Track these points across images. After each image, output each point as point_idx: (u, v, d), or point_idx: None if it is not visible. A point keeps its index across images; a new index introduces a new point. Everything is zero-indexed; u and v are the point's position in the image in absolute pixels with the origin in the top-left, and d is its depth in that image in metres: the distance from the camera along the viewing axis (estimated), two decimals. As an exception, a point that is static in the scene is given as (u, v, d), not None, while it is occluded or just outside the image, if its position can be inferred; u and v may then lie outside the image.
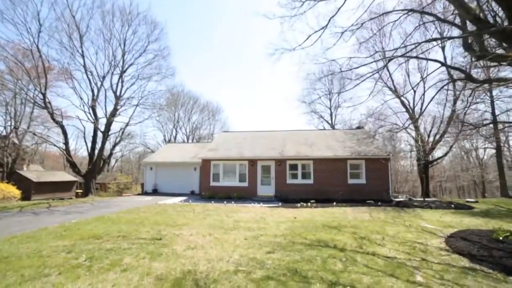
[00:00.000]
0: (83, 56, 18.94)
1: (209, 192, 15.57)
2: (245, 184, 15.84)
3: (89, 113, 19.37)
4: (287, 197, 15.01)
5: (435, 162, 23.38)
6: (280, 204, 12.97)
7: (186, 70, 65.71)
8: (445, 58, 20.65)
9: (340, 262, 4.82)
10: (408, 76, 22.71)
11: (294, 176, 15.66)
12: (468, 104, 18.73)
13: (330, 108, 42.10)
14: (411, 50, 7.64)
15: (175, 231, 7.01)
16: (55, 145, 18.48)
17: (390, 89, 22.84)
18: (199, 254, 5.04)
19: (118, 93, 20.37)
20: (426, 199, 14.60)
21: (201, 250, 5.34)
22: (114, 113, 19.79)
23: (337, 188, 15.04)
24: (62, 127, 18.14)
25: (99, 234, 6.48)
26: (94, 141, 19.43)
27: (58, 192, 22.36)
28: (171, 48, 38.49)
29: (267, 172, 15.95)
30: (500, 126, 18.30)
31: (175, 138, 35.52)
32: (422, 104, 21.12)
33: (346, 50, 71.69)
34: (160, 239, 6.13)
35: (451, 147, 22.60)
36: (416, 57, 9.78)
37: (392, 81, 22.20)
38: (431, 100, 19.68)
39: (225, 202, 13.44)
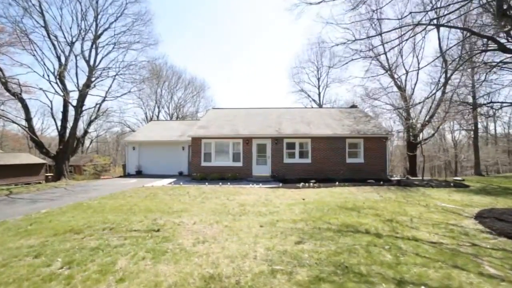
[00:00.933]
0: (42, 14, 15.92)
1: (200, 173, 14.40)
2: (239, 164, 14.82)
3: (57, 83, 16.75)
4: (284, 177, 14.28)
5: (423, 142, 23.69)
6: (280, 184, 12.17)
7: (169, 42, 60.90)
8: (439, 38, 20.18)
9: (386, 251, 4.04)
10: (402, 57, 22.07)
11: (292, 155, 14.85)
12: (456, 87, 18.68)
13: (318, 88, 41.36)
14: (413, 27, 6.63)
15: (174, 219, 5.89)
16: (14, 122, 15.77)
17: (384, 68, 22.21)
18: (214, 250, 4.01)
19: (91, 63, 17.79)
20: (424, 178, 14.50)
21: (214, 243, 4.30)
22: (87, 85, 17.35)
23: (335, 168, 14.50)
24: (22, 101, 15.49)
25: (79, 227, 5.20)
26: (64, 118, 17.05)
27: (23, 176, 20.02)
28: (154, 13, 34.35)
29: (263, 151, 14.97)
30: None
31: (157, 117, 33.04)
32: (415, 84, 20.79)
33: (341, 33, 69.86)
34: (158, 231, 5.00)
35: (438, 127, 22.86)
36: (442, 25, 8.67)
37: (387, 59, 21.49)
38: (445, 82, 19.23)
39: (220, 183, 12.39)
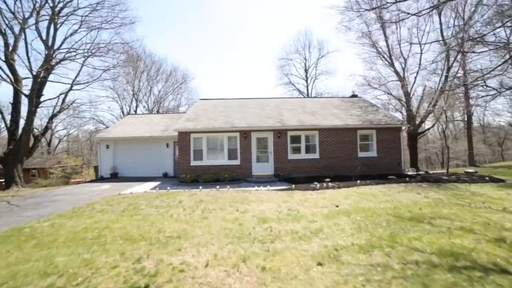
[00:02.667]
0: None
1: (190, 174, 12.01)
2: (237, 161, 12.61)
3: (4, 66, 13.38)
4: (289, 175, 12.31)
5: (422, 134, 22.88)
6: (292, 186, 10.15)
7: (147, 28, 56.14)
8: (441, 24, 19.09)
9: None
10: (399, 44, 20.82)
11: (296, 150, 12.90)
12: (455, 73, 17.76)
13: (306, 80, 39.87)
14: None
15: (171, 256, 3.65)
16: None
17: (383, 56, 20.88)
18: None
19: (50, 43, 14.48)
20: (448, 171, 13.04)
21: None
22: (46, 70, 14.07)
23: (346, 163, 12.78)
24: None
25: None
26: (15, 110, 13.66)
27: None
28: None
29: (263, 146, 12.86)
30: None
31: (135, 112, 29.59)
32: (417, 72, 19.64)
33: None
34: (147, 289, 2.76)
35: (438, 118, 22.07)
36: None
37: (389, 48, 20.11)
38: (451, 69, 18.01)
39: (217, 186, 10.11)
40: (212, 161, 12.62)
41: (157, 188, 10.29)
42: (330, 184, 9.73)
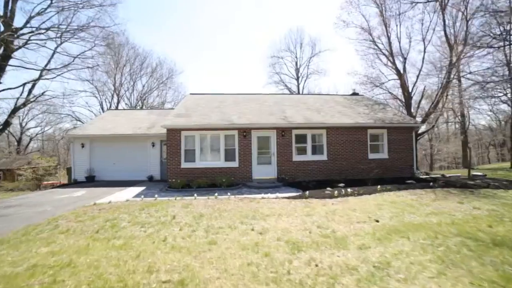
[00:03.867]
0: None
1: (181, 179, 10.29)
2: (234, 164, 11.03)
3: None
4: (294, 179, 10.94)
5: (422, 135, 22.39)
6: (306, 193, 8.76)
7: (131, 17, 52.87)
8: (444, 21, 18.54)
9: None
10: (399, 42, 20.14)
11: (302, 150, 11.54)
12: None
13: (297, 79, 38.96)
14: None
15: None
16: None
17: (384, 53, 20.09)
18: None
19: (7, 15, 12.13)
20: (470, 175, 12.01)
21: None
22: (5, 54, 11.77)
23: (357, 165, 11.60)
24: None
25: None
26: (-34, 101, 11.32)
27: None
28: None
29: (265, 146, 11.39)
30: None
31: (116, 108, 26.93)
32: (420, 70, 18.98)
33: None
34: None
35: (437, 118, 21.64)
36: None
37: (390, 46, 19.29)
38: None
39: (216, 194, 8.49)
40: (206, 163, 10.97)
41: (142, 196, 8.50)
42: (348, 190, 8.41)
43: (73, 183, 12.34)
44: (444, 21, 18.39)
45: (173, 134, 10.89)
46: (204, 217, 5.71)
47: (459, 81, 18.85)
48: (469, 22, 17.61)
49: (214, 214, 5.99)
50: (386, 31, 18.65)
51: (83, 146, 12.84)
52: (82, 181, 12.48)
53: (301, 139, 11.51)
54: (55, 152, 37.49)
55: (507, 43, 15.15)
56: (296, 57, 38.84)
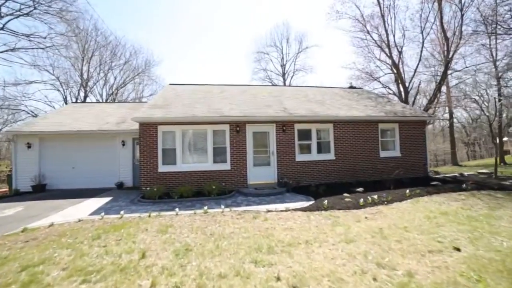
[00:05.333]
0: None
1: (158, 186, 8.06)
2: (226, 165, 8.97)
3: None
4: (298, 183, 9.12)
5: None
6: (311, 199, 6.95)
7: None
8: (441, 12, 17.69)
9: None
10: (394, 35, 19.12)
11: (306, 148, 9.75)
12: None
13: (283, 76, 37.49)
14: None
15: None
16: None
17: (379, 46, 18.96)
18: None
19: None
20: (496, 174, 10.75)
21: None
22: None
23: (367, 165, 10.02)
24: None
25: None
26: None
27: None
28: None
29: (263, 143, 9.45)
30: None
31: (84, 101, 23.20)
32: (417, 65, 18.02)
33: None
34: None
35: (433, 113, 20.90)
36: None
37: (388, 37, 18.16)
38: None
39: (205, 207, 6.35)
40: (190, 166, 8.82)
41: (103, 212, 6.17)
42: (374, 197, 6.70)
43: (14, 194, 9.55)
44: (441, 12, 17.56)
45: (148, 130, 8.62)
46: (193, 252, 3.64)
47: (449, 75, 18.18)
48: (464, 16, 16.95)
49: (207, 245, 3.93)
50: (383, 21, 17.50)
51: (29, 147, 10.08)
52: (27, 191, 9.73)
53: (305, 135, 9.71)
54: (7, 154, 32.77)
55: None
56: (282, 52, 37.36)
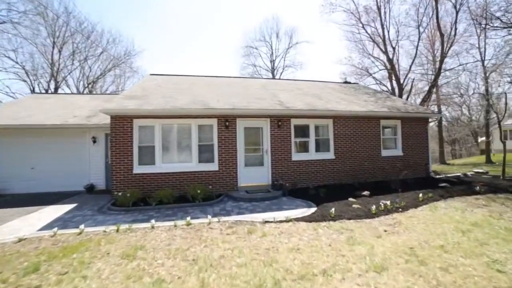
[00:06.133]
0: None
1: (132, 190, 6.80)
2: (213, 166, 7.82)
3: None
4: (295, 185, 8.13)
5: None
6: (313, 205, 5.98)
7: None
8: (437, 11, 17.25)
9: None
10: (388, 31, 18.55)
11: (303, 146, 8.78)
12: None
13: (272, 72, 36.51)
14: None
15: None
16: None
17: (375, 41, 18.33)
18: None
19: None
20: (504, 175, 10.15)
21: None
22: None
23: (368, 165, 9.21)
24: None
25: None
26: None
27: None
28: None
29: (255, 140, 8.37)
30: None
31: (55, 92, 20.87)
32: (412, 62, 17.55)
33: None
34: None
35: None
36: None
37: (383, 31, 17.52)
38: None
39: (188, 217, 5.19)
40: (172, 166, 7.60)
41: (56, 227, 4.85)
42: (386, 203, 5.80)
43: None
44: (437, 9, 17.13)
45: (121, 124, 7.31)
46: (166, 296, 2.52)
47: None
48: (458, 14, 16.64)
49: (188, 280, 2.82)
50: (379, 14, 16.84)
51: (-23, 143, 8.45)
52: (-26, 196, 8.13)
53: (302, 131, 8.73)
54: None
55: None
56: (271, 48, 36.32)
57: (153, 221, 4.94)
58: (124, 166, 7.24)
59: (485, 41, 17.96)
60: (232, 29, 61.23)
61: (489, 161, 20.55)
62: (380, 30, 17.13)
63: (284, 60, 35.85)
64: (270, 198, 7.04)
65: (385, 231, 4.32)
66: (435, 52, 19.10)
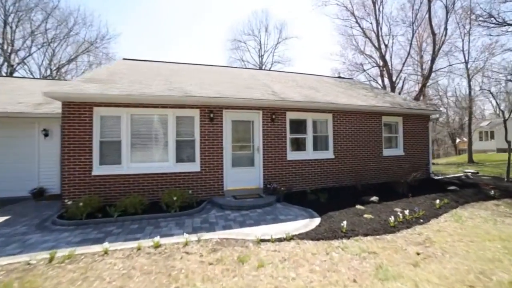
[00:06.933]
0: None
1: (87, 197, 5.36)
2: (194, 166, 6.51)
3: None
4: (290, 188, 7.00)
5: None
6: (317, 217, 4.89)
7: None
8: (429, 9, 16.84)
9: None
10: (381, 28, 17.93)
11: (300, 144, 7.68)
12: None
13: (260, 67, 35.36)
14: None
15: None
16: None
17: (368, 37, 17.65)
18: None
19: None
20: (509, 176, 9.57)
21: None
22: None
23: (370, 165, 8.31)
24: None
25: None
26: None
27: None
28: None
29: (244, 136, 7.15)
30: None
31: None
32: (406, 59, 17.04)
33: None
34: None
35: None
36: None
37: (378, 27, 16.82)
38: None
39: (156, 238, 3.87)
40: (142, 166, 6.20)
41: (-38, 255, 3.38)
42: (405, 213, 4.81)
43: None
44: (429, 7, 16.71)
45: (77, 113, 5.80)
46: None
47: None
48: (448, 13, 16.35)
49: None
50: (374, 8, 16.13)
51: None
52: None
53: (299, 126, 7.63)
54: None
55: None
56: (260, 42, 35.18)
57: (106, 243, 3.58)
58: (79, 166, 5.74)
59: (469, 44, 17.94)
60: (218, 21, 59.26)
61: (471, 161, 20.65)
62: (374, 25, 16.46)
63: (273, 55, 34.91)
64: (263, 205, 5.87)
65: (418, 254, 3.30)
66: (422, 52, 18.83)
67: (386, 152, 8.69)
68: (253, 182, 6.98)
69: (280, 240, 3.85)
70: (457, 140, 39.15)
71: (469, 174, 9.78)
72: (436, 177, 9.65)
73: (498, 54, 19.80)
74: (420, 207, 5.31)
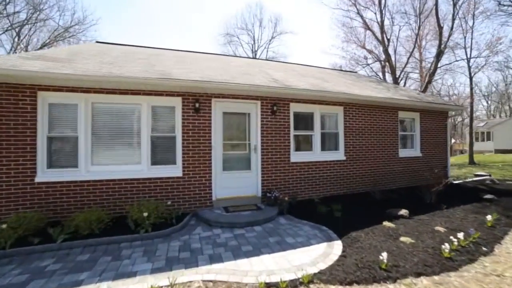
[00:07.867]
0: None
1: (19, 216, 3.93)
2: (175, 170, 5.12)
3: None
4: (295, 197, 5.68)
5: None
6: (337, 239, 3.59)
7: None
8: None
9: None
10: (383, 21, 16.84)
11: (305, 142, 6.38)
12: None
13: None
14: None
15: None
16: None
17: (371, 30, 16.53)
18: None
19: None
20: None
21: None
22: None
23: (385, 168, 7.10)
24: None
25: None
26: None
27: None
28: None
29: (239, 133, 5.80)
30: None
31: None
32: (411, 53, 16.01)
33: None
34: None
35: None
36: None
37: (382, 19, 15.71)
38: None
39: (107, 283, 2.54)
40: (106, 170, 4.75)
41: None
42: (459, 237, 3.57)
43: None
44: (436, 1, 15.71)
45: (11, 97, 4.30)
46: None
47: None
48: (456, 6, 15.45)
49: None
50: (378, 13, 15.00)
51: None
52: None
53: (304, 121, 6.33)
54: None
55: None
56: (254, 37, 33.76)
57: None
58: (16, 170, 4.26)
59: (471, 40, 17.17)
60: (210, 15, 57.44)
61: (472, 162, 19.91)
62: (378, 16, 15.34)
63: (267, 51, 33.47)
64: (262, 221, 4.55)
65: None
66: (423, 49, 17.92)
67: (402, 153, 7.51)
68: (249, 190, 5.64)
69: (294, 285, 2.54)
70: (452, 141, 38.93)
71: (493, 178, 8.73)
72: (454, 182, 8.56)
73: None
74: (466, 224, 4.10)
